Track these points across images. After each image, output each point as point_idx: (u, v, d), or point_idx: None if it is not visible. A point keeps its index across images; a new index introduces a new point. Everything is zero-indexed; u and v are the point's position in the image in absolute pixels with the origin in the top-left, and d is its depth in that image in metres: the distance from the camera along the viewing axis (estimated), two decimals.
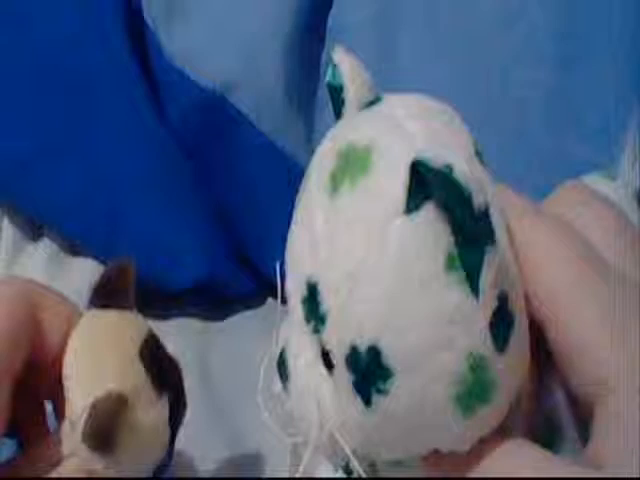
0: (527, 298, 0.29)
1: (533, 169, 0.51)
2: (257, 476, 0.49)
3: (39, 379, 0.37)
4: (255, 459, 0.49)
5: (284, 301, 0.32)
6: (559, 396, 0.31)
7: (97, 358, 0.36)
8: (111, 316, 0.38)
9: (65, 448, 0.35)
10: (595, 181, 0.36)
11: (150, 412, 0.36)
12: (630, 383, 0.27)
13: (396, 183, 0.26)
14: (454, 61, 0.54)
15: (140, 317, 0.39)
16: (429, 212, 0.26)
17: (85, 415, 0.34)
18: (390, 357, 0.27)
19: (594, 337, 0.28)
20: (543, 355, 0.30)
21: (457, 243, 0.26)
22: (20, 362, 0.35)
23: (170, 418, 0.37)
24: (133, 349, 0.37)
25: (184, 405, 0.39)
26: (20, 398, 0.36)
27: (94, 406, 0.34)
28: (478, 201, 0.25)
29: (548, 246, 0.29)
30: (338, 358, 0.28)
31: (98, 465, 0.35)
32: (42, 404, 0.39)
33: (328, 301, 0.28)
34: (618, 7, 0.51)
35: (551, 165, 0.51)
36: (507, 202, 0.30)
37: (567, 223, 0.30)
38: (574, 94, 0.52)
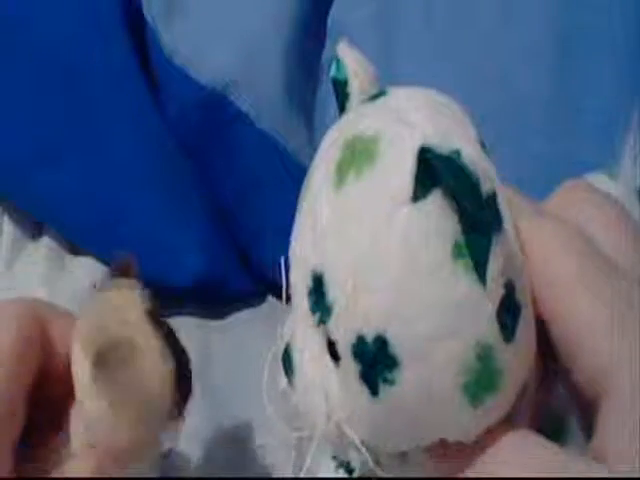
0: (531, 292, 0.29)
1: (534, 169, 0.51)
2: (257, 475, 0.48)
3: (52, 391, 0.37)
4: (256, 457, 0.49)
5: (288, 297, 0.32)
6: (564, 388, 0.31)
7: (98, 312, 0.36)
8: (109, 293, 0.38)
9: (72, 446, 0.35)
10: (596, 180, 0.37)
11: (153, 355, 0.35)
12: (632, 376, 0.27)
13: (402, 172, 0.26)
14: (453, 60, 0.54)
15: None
16: (436, 200, 0.26)
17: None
18: (397, 346, 0.27)
19: (595, 330, 0.28)
20: (548, 348, 0.30)
21: (464, 231, 0.26)
22: (31, 376, 0.35)
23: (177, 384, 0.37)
24: (138, 309, 0.37)
25: (189, 376, 0.39)
26: (34, 410, 0.36)
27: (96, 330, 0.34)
28: (485, 187, 0.25)
29: (550, 243, 0.29)
30: (344, 348, 0.28)
31: (99, 400, 0.34)
32: (55, 416, 0.39)
33: (334, 291, 0.28)
34: (618, 7, 0.52)
35: (552, 165, 0.51)
36: (508, 201, 0.30)
37: (568, 220, 0.31)
38: (574, 94, 0.52)
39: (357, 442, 0.29)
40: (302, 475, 0.32)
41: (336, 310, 0.28)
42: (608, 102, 0.51)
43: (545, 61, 0.53)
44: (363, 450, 0.29)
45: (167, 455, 0.38)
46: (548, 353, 0.30)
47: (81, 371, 0.35)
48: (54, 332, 0.36)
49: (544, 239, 0.30)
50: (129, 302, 0.37)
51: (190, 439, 0.46)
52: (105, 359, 0.34)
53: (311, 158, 0.31)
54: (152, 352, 0.35)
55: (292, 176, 0.53)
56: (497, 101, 0.53)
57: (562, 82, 0.52)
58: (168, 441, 0.38)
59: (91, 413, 0.35)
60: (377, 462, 0.30)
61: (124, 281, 0.38)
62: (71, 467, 0.35)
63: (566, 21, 0.53)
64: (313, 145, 0.54)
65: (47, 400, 0.37)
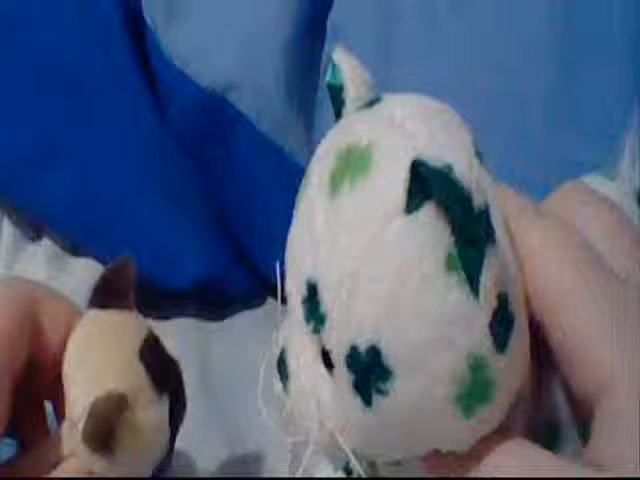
0: (527, 298, 0.29)
1: (533, 169, 0.51)
2: (257, 476, 0.49)
3: (39, 379, 0.37)
4: (255, 459, 0.49)
5: (284, 301, 0.32)
6: (559, 396, 0.31)
7: (97, 358, 0.36)
8: (111, 316, 0.38)
9: (65, 448, 0.35)
10: (595, 181, 0.36)
11: (150, 411, 0.36)
12: (630, 383, 0.27)
13: (396, 183, 0.26)
14: (453, 61, 0.54)
15: (140, 317, 0.39)
16: (429, 212, 0.26)
17: (85, 415, 0.34)
18: (390, 357, 0.27)
19: (594, 337, 0.28)
20: (543, 355, 0.30)
21: (457, 243, 0.26)
22: (20, 362, 0.35)
23: (170, 418, 0.37)
24: (133, 349, 0.37)
25: (184, 405, 0.39)
26: (20, 398, 0.36)
27: (94, 406, 0.34)
28: (478, 201, 0.25)
29: (548, 247, 0.29)
30: (338, 358, 0.28)
31: (98, 465, 0.35)
32: (42, 404, 0.39)
33: (328, 301, 0.28)
34: (618, 7, 0.51)
35: (551, 165, 0.51)
36: (507, 202, 0.30)
37: (567, 223, 0.30)
38: (574, 94, 0.52)
39: (348, 451, 0.29)
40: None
41: (329, 320, 0.28)
42: (608, 102, 0.51)
43: (545, 61, 0.52)
44: (353, 459, 0.29)
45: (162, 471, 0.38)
46: (543, 361, 0.30)
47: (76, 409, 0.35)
48: (45, 320, 0.36)
49: (542, 242, 0.29)
50: (126, 332, 0.37)
51: (190, 439, 0.46)
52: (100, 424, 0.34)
53: (309, 159, 0.31)
54: (147, 405, 0.36)
55: (291, 177, 0.52)
56: (496, 101, 0.52)
57: (562, 82, 0.52)
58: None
59: (83, 453, 0.35)
60: (372, 468, 0.31)
61: (122, 304, 0.38)
62: (65, 466, 0.35)
63: (566, 22, 0.52)
64: (312, 146, 0.54)
65: (35, 389, 0.37)
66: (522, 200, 0.31)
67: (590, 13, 0.52)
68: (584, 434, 0.29)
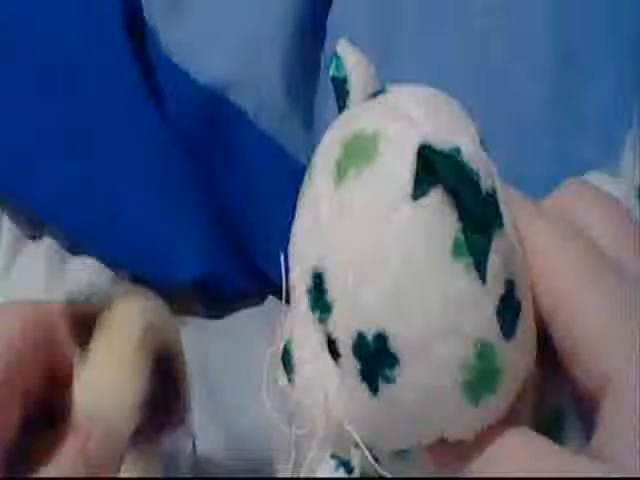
0: (532, 294, 0.29)
1: (534, 168, 0.51)
2: (257, 476, 0.48)
3: (60, 395, 0.37)
4: (256, 457, 0.48)
5: (287, 296, 0.32)
6: (564, 388, 0.31)
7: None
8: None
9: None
10: (597, 179, 0.37)
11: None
12: (634, 379, 0.27)
13: (403, 169, 0.26)
14: (453, 59, 0.54)
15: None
16: (436, 197, 0.26)
17: None
18: (397, 344, 0.27)
19: (598, 331, 0.28)
20: (548, 348, 0.30)
21: (464, 228, 0.26)
22: (34, 377, 0.35)
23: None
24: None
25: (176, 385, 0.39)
26: (44, 415, 0.35)
27: None
28: (485, 184, 0.25)
29: (551, 245, 0.29)
30: (345, 346, 0.28)
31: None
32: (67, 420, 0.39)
33: (334, 289, 0.28)
34: (619, 6, 0.52)
35: (552, 164, 0.51)
36: (508, 201, 0.30)
37: (569, 221, 0.31)
38: (575, 93, 0.52)
39: (358, 439, 0.29)
40: (302, 473, 0.32)
41: (336, 308, 0.28)
42: (608, 102, 0.51)
43: (546, 60, 0.53)
44: (363, 447, 0.28)
45: (193, 452, 0.38)
46: (548, 353, 0.30)
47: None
48: (60, 334, 0.36)
49: (544, 240, 0.29)
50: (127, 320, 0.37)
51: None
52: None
53: (310, 158, 0.31)
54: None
55: (291, 176, 0.53)
56: (497, 100, 0.53)
57: (562, 81, 0.52)
58: (183, 439, 0.38)
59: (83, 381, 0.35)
60: (377, 461, 0.30)
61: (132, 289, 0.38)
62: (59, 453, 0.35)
63: (566, 20, 0.53)
64: (312, 145, 0.54)
65: (57, 401, 0.37)
66: (523, 199, 0.31)
67: (591, 12, 0.52)
68: (588, 426, 0.29)
